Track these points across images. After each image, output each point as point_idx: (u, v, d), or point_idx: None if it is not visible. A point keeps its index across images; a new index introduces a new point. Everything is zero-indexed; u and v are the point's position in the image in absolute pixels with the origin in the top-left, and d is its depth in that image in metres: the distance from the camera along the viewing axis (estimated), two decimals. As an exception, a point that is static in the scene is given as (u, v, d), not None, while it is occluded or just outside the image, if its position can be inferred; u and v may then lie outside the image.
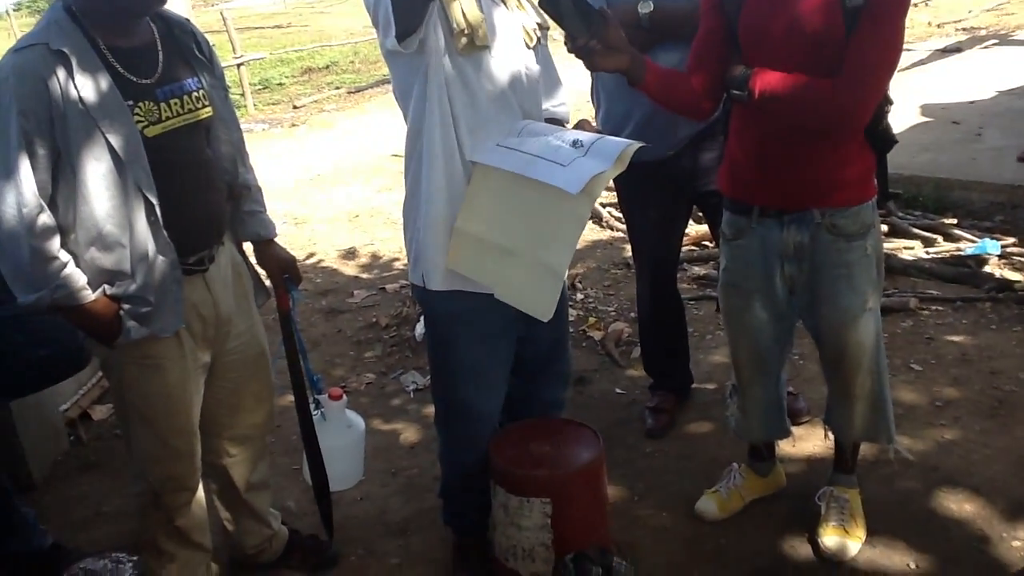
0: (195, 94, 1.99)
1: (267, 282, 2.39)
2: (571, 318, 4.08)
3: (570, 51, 1.99)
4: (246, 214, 2.27)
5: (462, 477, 2.37)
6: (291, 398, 2.49)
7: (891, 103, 2.15)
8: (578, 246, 4.94)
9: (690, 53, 2.22)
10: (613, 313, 4.15)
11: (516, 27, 2.08)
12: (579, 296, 4.34)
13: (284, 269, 2.36)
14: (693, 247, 4.73)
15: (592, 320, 4.00)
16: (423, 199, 2.07)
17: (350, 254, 5.46)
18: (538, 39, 2.14)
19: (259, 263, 2.36)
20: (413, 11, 1.87)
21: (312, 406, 2.48)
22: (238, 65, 12.10)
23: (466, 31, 1.94)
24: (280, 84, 14.27)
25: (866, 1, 1.90)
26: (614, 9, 2.56)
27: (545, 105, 2.25)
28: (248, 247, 2.36)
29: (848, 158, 2.10)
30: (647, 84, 2.08)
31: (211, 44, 2.13)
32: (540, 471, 2.24)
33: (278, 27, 25.37)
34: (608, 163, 1.84)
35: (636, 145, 1.88)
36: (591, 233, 5.41)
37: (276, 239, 2.39)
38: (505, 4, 2.08)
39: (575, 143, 1.93)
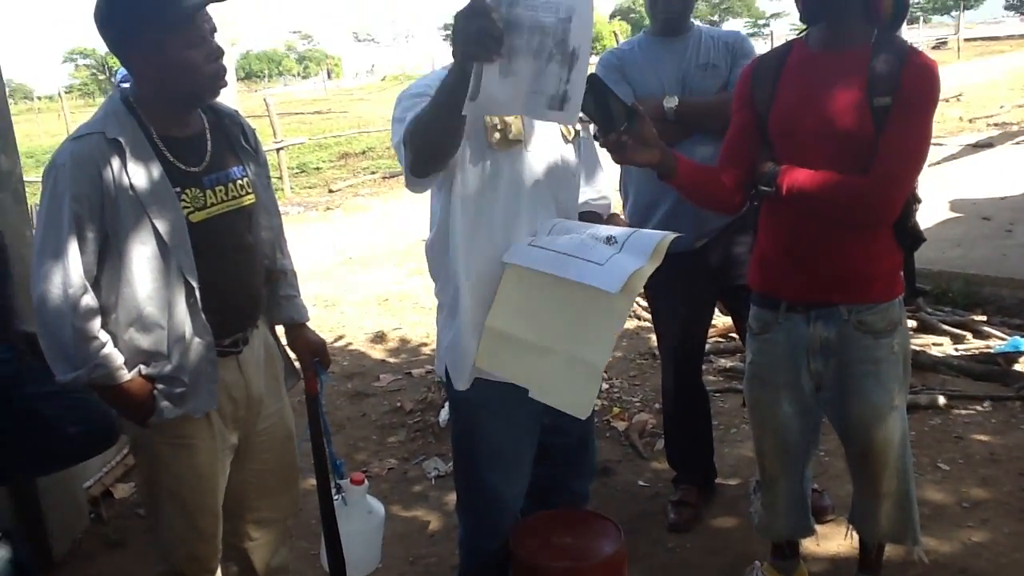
0: (240, 182, 2.07)
1: (297, 364, 2.43)
2: (596, 408, 4.08)
3: (602, 145, 2.04)
4: (282, 298, 2.33)
5: (482, 565, 2.35)
6: (313, 481, 2.50)
7: (919, 201, 2.19)
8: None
9: (721, 148, 2.28)
10: (638, 404, 4.14)
11: (552, 127, 2.13)
12: (604, 386, 4.34)
13: (315, 353, 2.40)
14: (720, 339, 4.73)
15: (617, 410, 4.00)
16: (451, 295, 2.11)
17: (378, 338, 5.52)
18: (576, 132, 2.18)
19: (290, 346, 2.41)
20: (434, 168, 1.94)
21: (333, 491, 2.49)
22: (278, 149, 12.45)
23: (499, 126, 2.00)
24: (317, 168, 14.64)
25: (894, 100, 1.96)
26: (641, 103, 2.65)
27: (585, 198, 2.30)
28: (280, 330, 2.41)
29: (876, 255, 2.12)
30: (678, 178, 2.13)
31: (256, 133, 2.23)
32: (561, 563, 2.22)
33: (318, 113, 26.15)
34: (644, 259, 1.86)
35: (671, 236, 1.90)
36: (618, 322, 5.44)
37: (308, 323, 2.44)
38: None
39: (609, 239, 1.95)
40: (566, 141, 2.17)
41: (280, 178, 12.45)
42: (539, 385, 2.05)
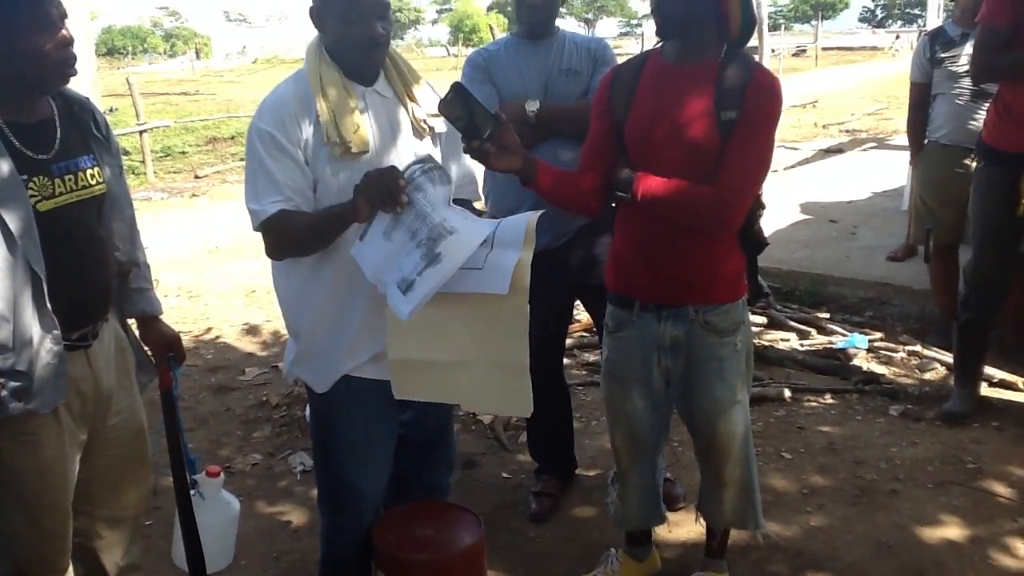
0: (90, 171, 2.01)
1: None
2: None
3: (466, 151, 2.09)
4: (133, 291, 2.28)
5: (342, 558, 2.37)
6: (170, 480, 2.46)
7: (763, 207, 2.33)
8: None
9: (581, 154, 2.36)
10: (504, 396, 4.21)
11: (403, 121, 2.17)
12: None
13: (169, 347, 2.37)
14: (585, 334, 4.86)
15: (483, 403, 4.06)
16: (302, 301, 2.15)
17: (244, 330, 5.41)
18: (431, 128, 2.21)
19: (143, 340, 2.36)
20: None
21: (189, 486, 2.46)
22: (141, 132, 11.98)
23: (337, 142, 2.04)
24: (183, 153, 14.18)
25: (738, 115, 2.08)
26: (503, 106, 2.71)
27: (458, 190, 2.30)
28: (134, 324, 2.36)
29: (721, 259, 2.25)
30: (538, 183, 2.19)
31: (108, 121, 2.17)
32: (422, 555, 2.26)
33: (185, 94, 25.24)
34: (519, 248, 1.91)
35: (536, 215, 1.96)
36: (487, 315, 5.51)
37: (162, 316, 2.40)
38: (396, 95, 2.17)
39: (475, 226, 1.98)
40: (420, 138, 2.20)
41: (143, 162, 12.01)
42: (468, 397, 2.11)
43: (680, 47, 2.17)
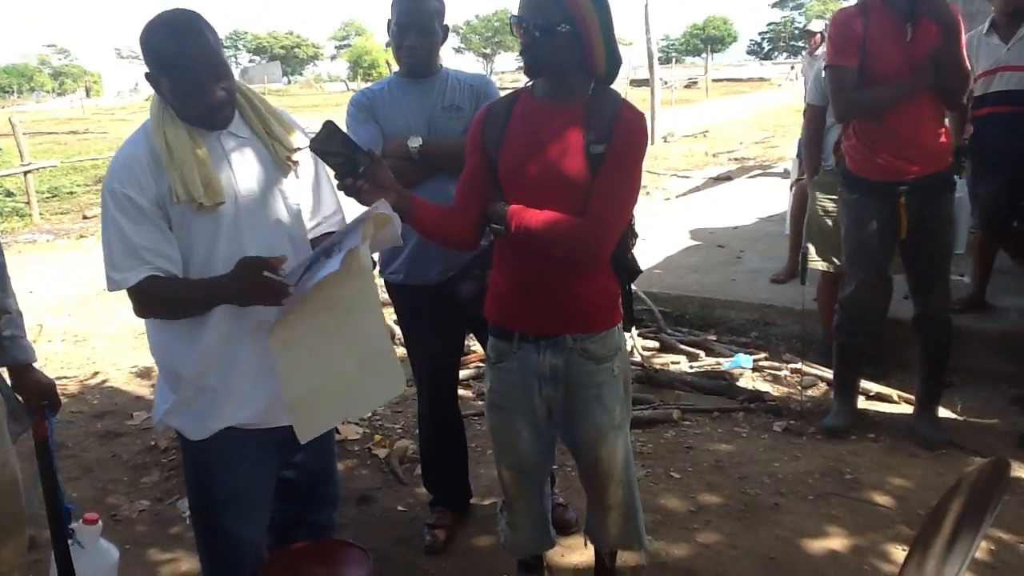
0: None
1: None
2: (357, 436, 4.12)
3: (339, 188, 2.11)
4: (5, 339, 2.23)
5: (223, 606, 2.34)
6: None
7: (636, 236, 2.41)
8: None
9: (457, 189, 2.41)
10: (399, 430, 4.21)
11: (264, 163, 2.17)
12: (367, 414, 4.39)
13: (42, 395, 2.31)
14: (482, 363, 4.89)
15: (378, 438, 4.05)
16: (185, 351, 2.14)
17: (133, 373, 5.27)
18: (295, 163, 2.22)
19: (16, 389, 2.30)
20: None
21: (66, 536, 2.39)
22: (25, 173, 11.56)
23: (187, 199, 2.02)
24: (71, 193, 13.73)
25: (607, 149, 2.16)
26: (386, 142, 2.75)
27: (316, 220, 2.34)
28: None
29: (596, 288, 2.32)
30: (414, 219, 2.23)
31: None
32: (309, 594, 2.25)
33: (74, 133, 24.49)
34: (357, 238, 1.97)
35: (374, 211, 2.01)
36: (385, 350, 5.50)
37: (36, 364, 2.34)
38: (257, 136, 2.17)
39: (328, 249, 2.05)
40: (284, 174, 2.21)
41: (28, 203, 11.57)
42: (357, 404, 2.15)
43: (549, 85, 2.24)
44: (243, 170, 2.13)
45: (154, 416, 2.31)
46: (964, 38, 3.46)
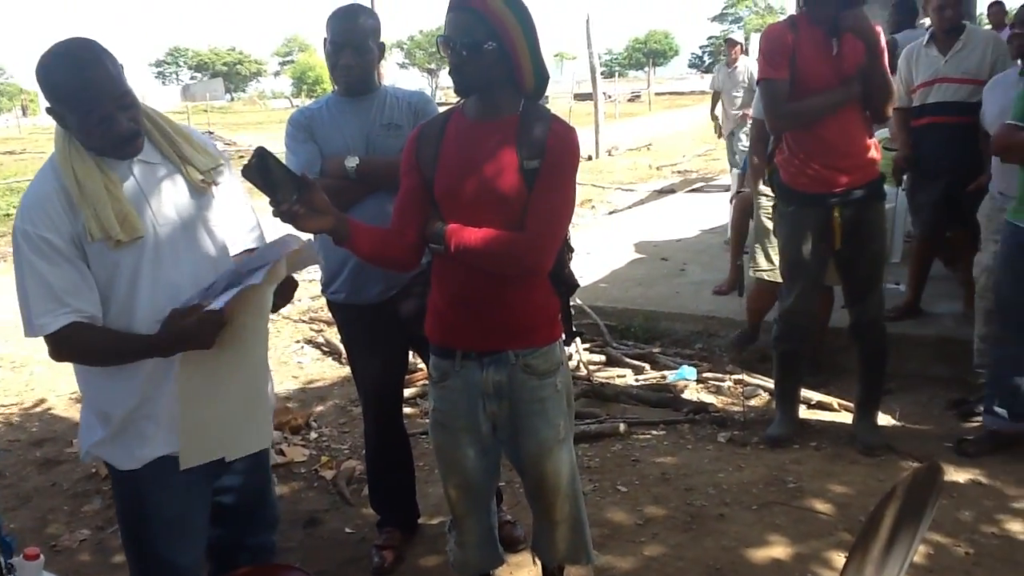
0: None
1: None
2: (304, 458, 4.08)
3: (275, 215, 2.08)
4: None
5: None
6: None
7: (572, 250, 2.43)
8: (319, 384, 4.95)
9: (393, 210, 2.40)
10: (347, 451, 4.19)
11: (179, 188, 2.12)
12: (313, 435, 4.35)
13: None
14: (426, 382, 4.87)
15: (325, 459, 4.02)
16: (115, 384, 2.09)
17: (73, 399, 5.14)
18: (209, 183, 2.16)
19: None
20: None
21: (5, 571, 2.32)
22: (-44, 195, 11.27)
23: (102, 236, 1.96)
24: (7, 215, 13.41)
25: (540, 164, 2.18)
26: (325, 162, 2.74)
27: (237, 235, 2.28)
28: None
29: (536, 304, 2.33)
30: (351, 242, 2.21)
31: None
32: (253, 621, 2.22)
33: (10, 153, 23.96)
34: (278, 254, 1.99)
35: (286, 248, 2.00)
36: (332, 370, 5.47)
37: None
38: (169, 160, 2.11)
39: (250, 269, 2.02)
40: (201, 195, 2.16)
41: (-39, 226, 11.29)
42: (230, 447, 2.12)
43: (480, 104, 2.26)
44: (158, 198, 2.07)
45: (80, 447, 2.26)
46: (885, 56, 3.55)
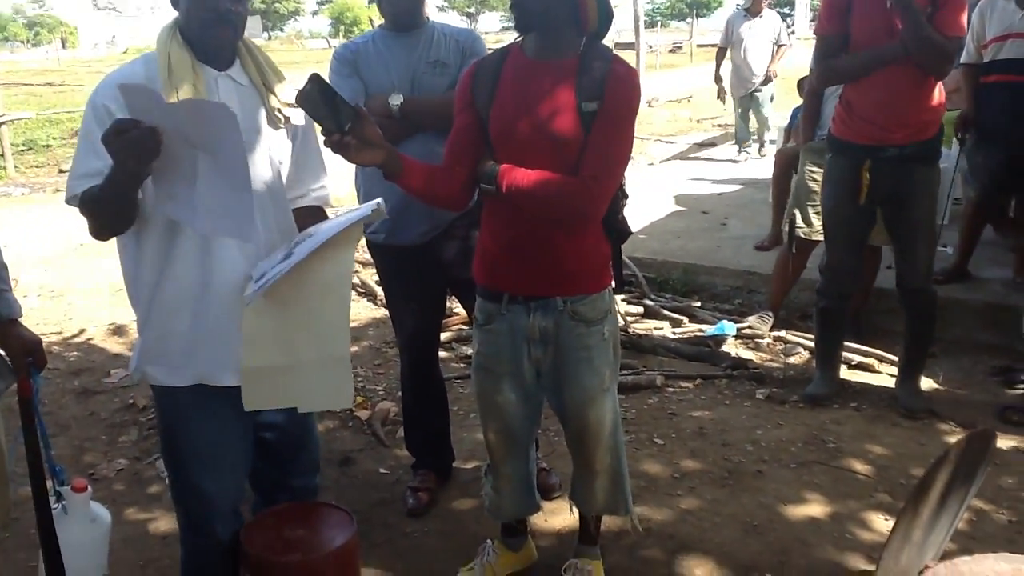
0: None
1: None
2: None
3: (326, 145, 2.05)
4: None
5: (202, 564, 2.31)
6: (30, 490, 2.34)
7: (626, 197, 2.37)
8: (354, 324, 4.95)
9: (445, 147, 2.35)
10: (382, 392, 4.19)
11: (258, 110, 2.13)
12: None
13: (28, 352, 2.24)
14: (464, 326, 4.87)
15: (360, 399, 4.03)
16: (148, 291, 2.09)
17: (110, 331, 5.20)
18: (287, 118, 2.17)
19: (1, 345, 2.24)
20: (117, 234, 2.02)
21: (53, 499, 2.34)
22: (0, 124, 11.34)
23: None
24: (47, 146, 13.52)
25: (599, 107, 2.12)
26: (368, 99, 2.69)
27: (300, 189, 2.30)
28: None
29: (586, 250, 2.28)
30: (403, 177, 2.17)
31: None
32: (291, 556, 2.22)
33: (50, 84, 24.10)
34: (361, 214, 1.97)
35: (369, 209, 1.98)
36: (366, 311, 5.47)
37: (21, 319, 2.27)
38: (254, 86, 2.13)
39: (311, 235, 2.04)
40: (276, 127, 2.16)
41: (2, 156, 11.37)
42: (301, 399, 2.12)
43: (539, 41, 2.19)
44: (242, 117, 2.06)
45: (131, 366, 2.27)
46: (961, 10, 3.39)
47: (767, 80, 9.01)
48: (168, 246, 2.05)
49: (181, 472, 2.24)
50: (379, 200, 1.98)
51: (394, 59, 2.79)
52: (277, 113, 2.14)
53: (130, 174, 1.82)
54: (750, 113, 9.35)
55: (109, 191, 1.87)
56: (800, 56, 8.19)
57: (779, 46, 8.97)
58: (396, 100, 2.71)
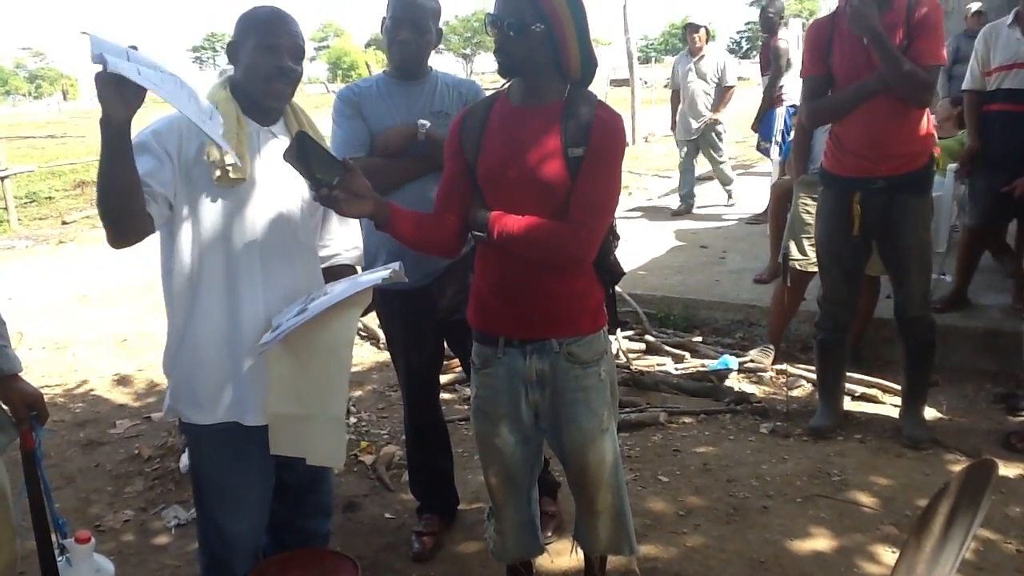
0: None
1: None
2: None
3: (315, 199, 2.08)
4: None
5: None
6: (34, 543, 2.35)
7: (618, 238, 2.39)
8: (357, 368, 4.94)
9: (436, 195, 2.38)
10: (386, 436, 4.19)
11: (296, 176, 2.15)
12: (352, 420, 4.36)
13: (30, 405, 2.28)
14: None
15: (364, 444, 4.03)
16: (182, 333, 2.18)
17: (115, 381, 5.21)
18: None
19: (2, 399, 2.26)
20: (126, 234, 2.03)
21: (57, 551, 2.35)
22: (2, 178, 11.44)
23: (218, 163, 2.07)
24: (49, 198, 13.64)
25: (585, 151, 2.15)
26: (390, 130, 2.76)
27: (338, 249, 2.44)
28: None
29: (579, 292, 2.30)
30: (392, 227, 2.20)
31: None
32: (296, 605, 2.23)
33: (52, 137, 24.32)
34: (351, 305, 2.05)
35: (379, 277, 2.09)
36: (370, 355, 5.48)
37: (22, 373, 2.30)
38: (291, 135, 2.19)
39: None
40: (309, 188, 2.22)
41: (6, 209, 11.46)
42: (311, 452, 2.20)
43: (524, 88, 2.23)
44: (271, 166, 2.20)
45: (164, 405, 2.36)
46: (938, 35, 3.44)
47: (712, 125, 8.44)
48: (194, 291, 2.15)
49: (208, 513, 2.30)
50: (397, 264, 2.06)
51: (398, 107, 2.83)
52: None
53: (106, 114, 1.81)
54: (694, 162, 8.84)
55: (104, 154, 1.87)
56: (793, 88, 8.01)
57: (726, 88, 8.30)
58: (424, 125, 2.76)
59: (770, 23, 7.73)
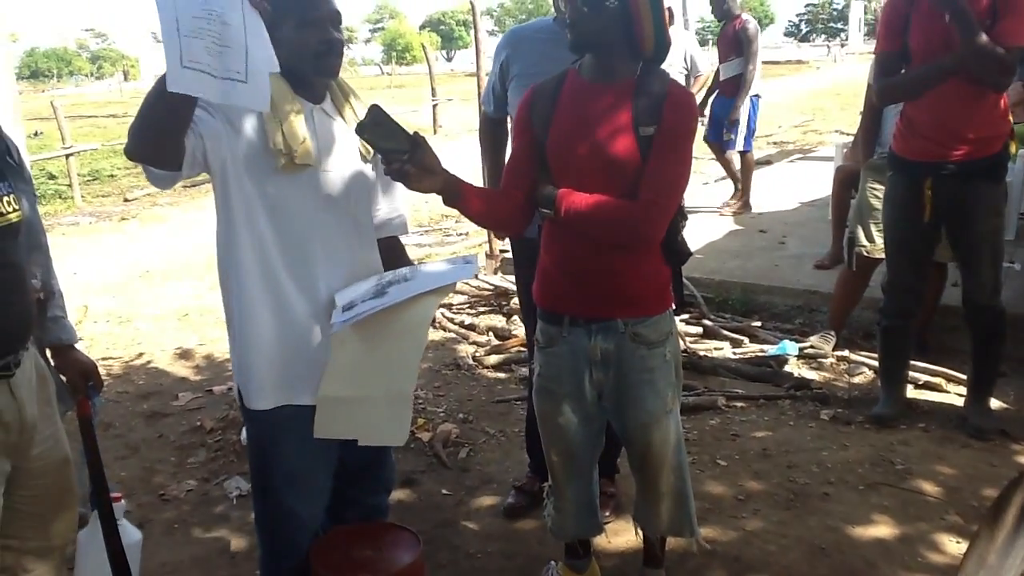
0: (6, 199, 1.97)
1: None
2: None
3: (386, 173, 2.08)
4: (49, 320, 2.27)
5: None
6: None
7: (685, 219, 2.36)
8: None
9: (504, 171, 2.38)
10: (442, 414, 4.21)
11: (351, 141, 2.19)
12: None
13: (86, 375, 2.34)
14: (522, 348, 4.88)
15: (421, 421, 4.05)
16: (239, 319, 2.14)
17: (177, 354, 5.31)
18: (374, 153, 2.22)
19: (60, 369, 2.33)
20: (158, 153, 1.94)
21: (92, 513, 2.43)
22: (67, 155, 11.71)
23: (284, 151, 2.03)
24: (112, 176, 13.91)
25: (657, 130, 2.12)
26: None
27: (381, 216, 2.37)
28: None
29: (647, 272, 2.28)
30: (463, 204, 2.19)
31: (19, 149, 2.14)
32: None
33: (113, 116, 24.80)
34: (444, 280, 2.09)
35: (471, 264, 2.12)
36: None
37: (78, 344, 2.36)
38: (343, 117, 2.19)
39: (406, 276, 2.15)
40: (365, 160, 2.23)
41: (70, 186, 11.73)
42: (366, 433, 2.19)
43: (595, 64, 2.21)
44: (331, 146, 2.15)
45: (234, 383, 2.36)
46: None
47: None
48: (253, 275, 2.11)
49: (271, 496, 2.27)
50: (475, 258, 2.08)
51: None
52: (367, 150, 2.22)
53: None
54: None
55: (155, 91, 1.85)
56: (853, 71, 7.80)
57: (694, 76, 7.64)
58: None
59: (723, 10, 7.59)
